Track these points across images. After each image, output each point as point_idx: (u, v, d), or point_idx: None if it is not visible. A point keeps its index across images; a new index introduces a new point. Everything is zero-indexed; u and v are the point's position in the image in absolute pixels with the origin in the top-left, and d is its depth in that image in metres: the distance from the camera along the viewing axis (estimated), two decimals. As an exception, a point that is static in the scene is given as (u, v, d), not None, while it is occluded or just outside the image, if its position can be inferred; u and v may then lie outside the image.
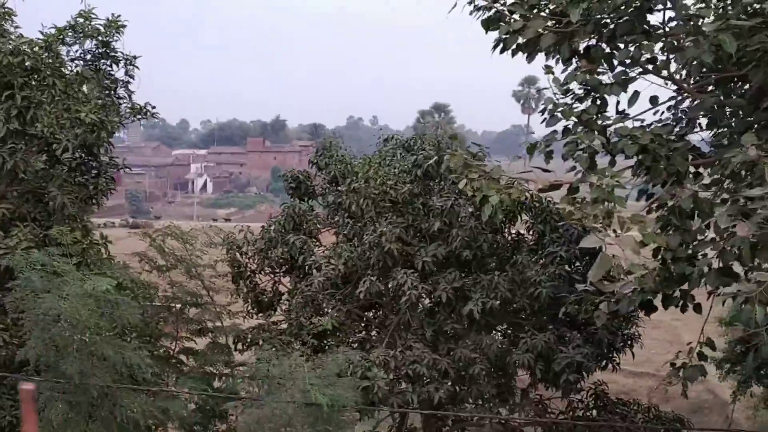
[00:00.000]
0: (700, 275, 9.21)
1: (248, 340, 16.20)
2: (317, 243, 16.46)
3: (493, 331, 15.06)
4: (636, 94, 10.02)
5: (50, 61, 13.39)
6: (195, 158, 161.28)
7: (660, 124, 10.59)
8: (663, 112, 10.79)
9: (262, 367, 12.07)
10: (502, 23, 9.85)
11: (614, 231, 8.72)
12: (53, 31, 13.98)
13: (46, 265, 11.45)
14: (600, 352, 15.08)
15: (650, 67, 9.60)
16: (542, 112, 9.79)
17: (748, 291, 7.44)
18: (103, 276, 11.76)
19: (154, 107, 15.22)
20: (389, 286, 14.40)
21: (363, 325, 16.83)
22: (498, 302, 14.04)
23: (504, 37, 9.95)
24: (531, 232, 15.71)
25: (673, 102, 10.25)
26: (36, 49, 13.25)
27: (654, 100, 10.13)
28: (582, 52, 10.05)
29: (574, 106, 9.69)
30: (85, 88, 13.90)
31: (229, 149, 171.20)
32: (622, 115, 10.52)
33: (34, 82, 13.33)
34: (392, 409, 13.81)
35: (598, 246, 8.67)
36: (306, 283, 15.12)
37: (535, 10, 9.80)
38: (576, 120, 9.54)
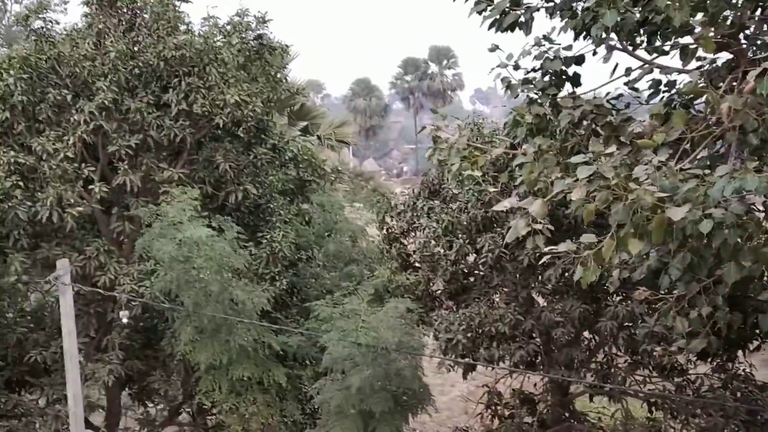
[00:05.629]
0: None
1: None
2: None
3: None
4: (616, 66, 10.28)
5: (206, 53, 16.36)
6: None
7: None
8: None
9: (325, 311, 14.06)
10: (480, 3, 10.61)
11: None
12: (207, 28, 16.98)
13: (165, 215, 14.49)
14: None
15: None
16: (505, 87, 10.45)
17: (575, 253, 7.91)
18: (203, 227, 14.47)
19: (303, 88, 17.77)
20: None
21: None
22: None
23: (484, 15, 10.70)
24: None
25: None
26: (196, 44, 16.27)
27: (628, 71, 10.22)
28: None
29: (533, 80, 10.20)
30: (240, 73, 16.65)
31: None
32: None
33: (196, 70, 16.42)
34: (460, 361, 14.89)
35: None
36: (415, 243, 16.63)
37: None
38: (526, 94, 10.10)
